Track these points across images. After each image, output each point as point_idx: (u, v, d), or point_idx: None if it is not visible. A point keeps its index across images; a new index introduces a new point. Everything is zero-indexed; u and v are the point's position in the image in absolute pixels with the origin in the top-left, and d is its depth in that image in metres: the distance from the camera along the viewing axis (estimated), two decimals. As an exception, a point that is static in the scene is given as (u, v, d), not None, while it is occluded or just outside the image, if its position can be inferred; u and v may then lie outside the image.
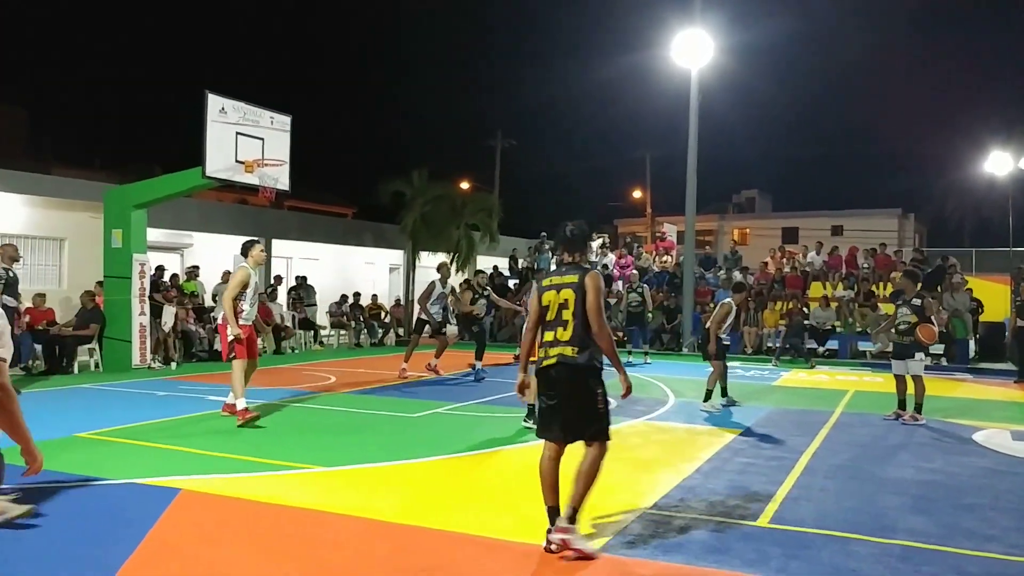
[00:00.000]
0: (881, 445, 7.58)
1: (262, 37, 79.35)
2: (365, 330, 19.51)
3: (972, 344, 17.32)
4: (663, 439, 7.72)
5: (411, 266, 23.01)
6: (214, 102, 12.30)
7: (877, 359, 16.77)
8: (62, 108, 55.08)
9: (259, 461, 6.33)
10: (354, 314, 19.61)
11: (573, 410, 4.44)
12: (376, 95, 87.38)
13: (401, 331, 21.16)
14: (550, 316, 4.50)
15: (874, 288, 19.17)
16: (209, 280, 17.40)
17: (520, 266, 23.58)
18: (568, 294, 4.43)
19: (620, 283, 21.92)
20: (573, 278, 4.47)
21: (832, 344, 17.67)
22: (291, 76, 75.05)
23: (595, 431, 4.47)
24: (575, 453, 4.53)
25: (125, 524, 4.66)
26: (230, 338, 8.04)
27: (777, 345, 16.97)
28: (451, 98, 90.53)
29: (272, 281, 19.48)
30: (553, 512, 4.41)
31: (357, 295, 20.24)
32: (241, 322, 8.08)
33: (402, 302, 22.43)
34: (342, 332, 19.29)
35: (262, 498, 5.25)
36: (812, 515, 5.12)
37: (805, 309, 18.22)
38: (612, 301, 20.12)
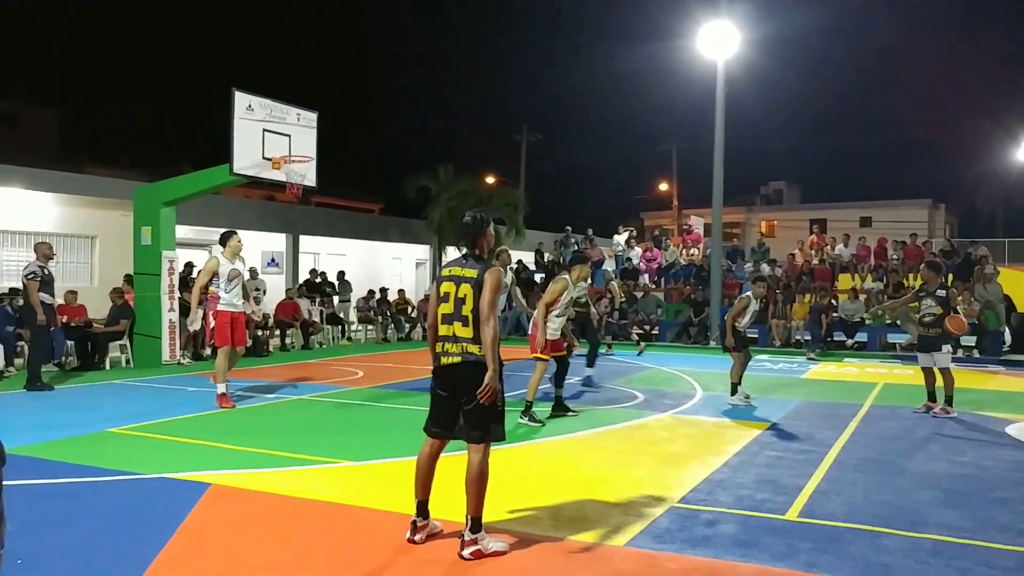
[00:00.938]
0: (911, 438, 7.48)
1: (289, 34, 79.90)
2: (392, 325, 19.61)
3: (1006, 335, 17.01)
4: (691, 433, 7.68)
5: (437, 261, 23.10)
6: (241, 99, 12.41)
7: (907, 351, 16.54)
8: (93, 107, 55.93)
9: (288, 456, 6.39)
10: (381, 309, 19.72)
11: (474, 409, 4.26)
12: (403, 91, 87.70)
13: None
14: (447, 309, 4.34)
15: (904, 280, 18.90)
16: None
17: (546, 260, 23.55)
18: (467, 289, 4.30)
19: (646, 276, 21.86)
20: (473, 272, 4.34)
21: (861, 336, 17.44)
22: (318, 72, 75.56)
23: (484, 432, 4.30)
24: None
25: (157, 518, 4.73)
26: (195, 326, 9.11)
27: (807, 339, 16.81)
28: (476, 93, 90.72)
29: (308, 276, 19.67)
30: (422, 506, 4.45)
31: (384, 290, 20.35)
32: (221, 308, 8.79)
33: (429, 297, 22.54)
34: (369, 327, 19.41)
35: (291, 492, 5.31)
36: (842, 509, 5.07)
37: (833, 301, 18.03)
38: (639, 295, 20.06)
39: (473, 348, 4.27)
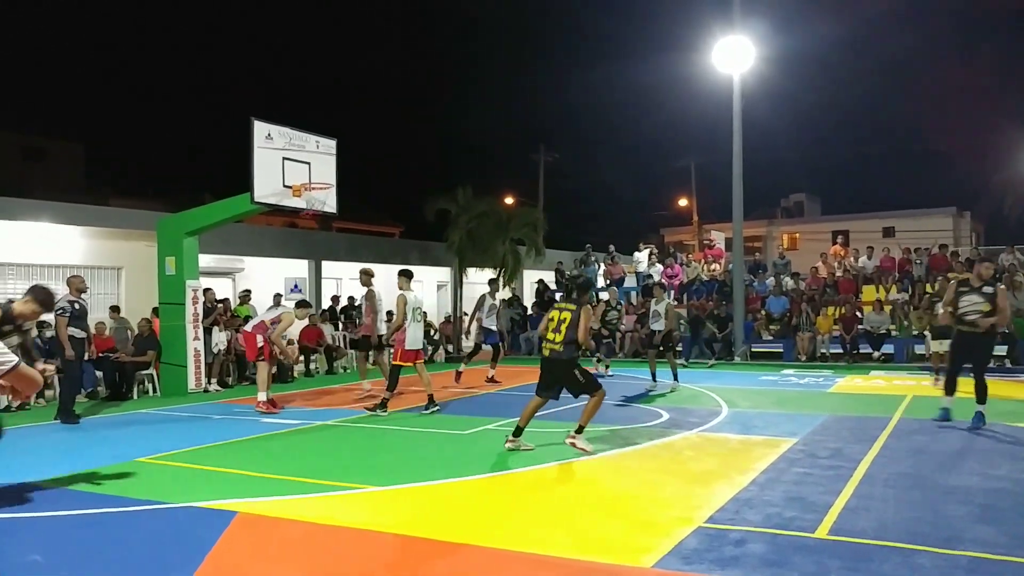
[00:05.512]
0: (943, 452, 7.36)
1: (307, 60, 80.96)
2: (414, 348, 19.59)
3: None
4: (717, 451, 7.61)
5: (458, 283, 23.14)
6: (260, 128, 12.57)
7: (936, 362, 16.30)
8: (117, 140, 56.93)
9: (313, 482, 6.41)
10: (403, 332, 19.73)
11: (566, 383, 7.57)
12: (420, 114, 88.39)
13: (451, 347, 21.25)
14: (552, 325, 7.51)
15: (929, 289, 18.68)
16: (261, 303, 17.72)
17: (566, 278, 23.54)
18: (565, 315, 7.48)
19: (669, 293, 21.78)
20: (572, 307, 7.49)
21: (888, 348, 17.23)
22: (337, 98, 76.43)
23: (581, 390, 7.58)
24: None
25: (184, 547, 4.76)
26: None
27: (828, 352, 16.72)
28: (494, 114, 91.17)
29: (331, 302, 19.81)
30: (519, 430, 7.54)
31: (405, 314, 20.37)
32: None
33: (451, 319, 22.54)
34: (390, 350, 19.42)
35: (317, 519, 5.32)
36: (872, 526, 4.99)
37: (859, 313, 17.84)
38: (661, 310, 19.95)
39: (558, 348, 7.35)
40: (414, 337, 10.43)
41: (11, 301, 6.18)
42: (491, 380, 13.68)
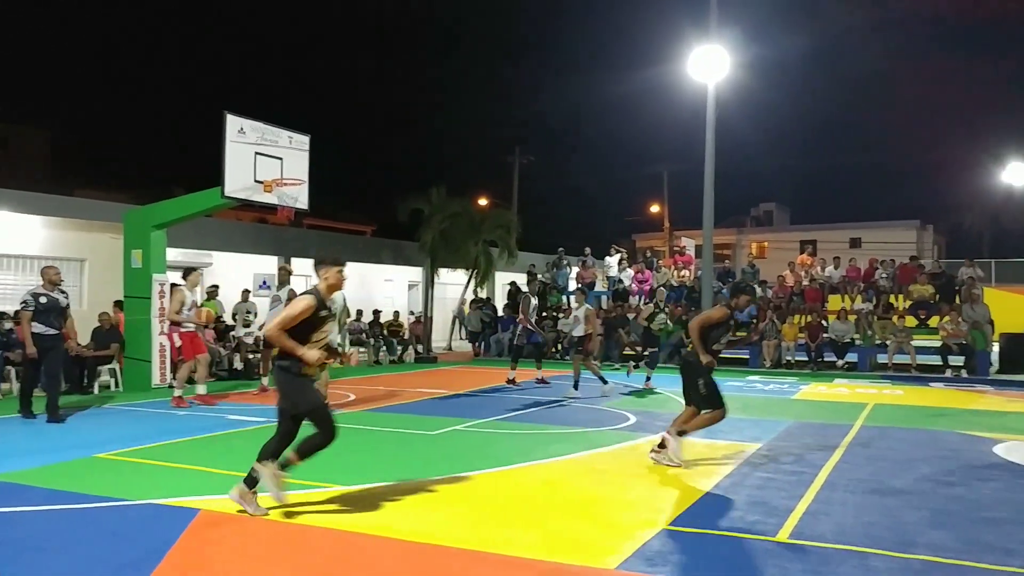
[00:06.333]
0: (901, 459, 7.51)
1: (280, 56, 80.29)
2: (384, 347, 19.56)
3: (994, 355, 17.13)
4: (682, 454, 7.67)
5: (430, 283, 23.10)
6: (233, 123, 12.45)
7: (897, 372, 16.62)
8: (84, 130, 55.98)
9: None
10: (373, 331, 19.68)
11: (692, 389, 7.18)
12: (394, 113, 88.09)
13: (420, 348, 21.19)
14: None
15: (892, 300, 19.01)
16: (229, 299, 17.55)
17: (539, 281, 23.59)
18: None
19: (638, 298, 21.92)
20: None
21: (851, 357, 17.53)
22: (311, 94, 75.89)
23: (701, 403, 7.05)
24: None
25: (144, 545, 4.69)
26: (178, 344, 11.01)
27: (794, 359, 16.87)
28: (469, 115, 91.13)
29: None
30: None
31: (377, 312, 20.31)
32: (183, 330, 10.92)
33: (422, 319, 22.49)
34: (361, 349, 19.36)
35: (282, 518, 5.28)
36: (832, 530, 5.08)
37: (824, 322, 18.11)
38: (631, 316, 20.09)
39: (690, 349, 7.10)
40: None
41: None
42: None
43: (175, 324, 11.01)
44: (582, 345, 12.67)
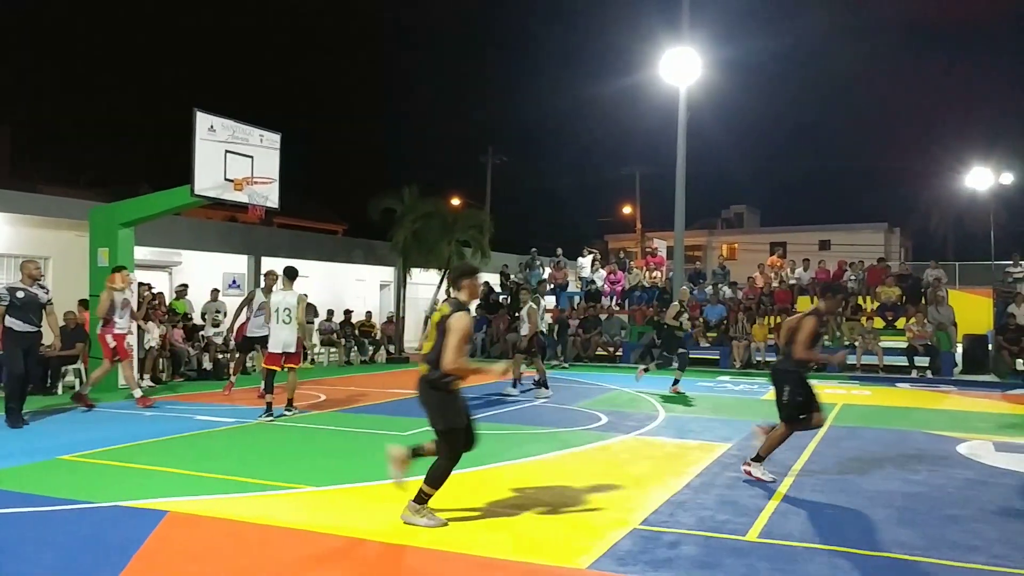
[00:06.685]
0: (867, 458, 7.62)
1: (252, 54, 79.55)
2: (355, 348, 19.45)
3: (957, 356, 17.44)
4: (653, 454, 7.73)
5: (402, 283, 23.00)
6: (203, 120, 12.30)
7: (865, 372, 16.86)
8: (47, 126, 54.93)
9: (247, 481, 6.30)
10: (344, 332, 19.55)
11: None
12: (367, 112, 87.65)
13: (392, 348, 21.09)
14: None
15: (861, 301, 19.27)
16: (198, 298, 17.34)
17: (511, 282, 23.60)
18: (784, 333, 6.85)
19: (610, 298, 22.02)
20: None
21: (820, 357, 17.68)
22: (282, 93, 75.24)
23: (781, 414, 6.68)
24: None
25: (110, 548, 4.62)
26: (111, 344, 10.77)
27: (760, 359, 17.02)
28: (442, 115, 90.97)
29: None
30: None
31: (348, 312, 20.18)
32: (116, 331, 10.81)
33: (393, 319, 22.38)
34: (332, 349, 19.23)
35: (250, 519, 5.23)
36: (800, 529, 5.14)
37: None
38: (603, 317, 20.18)
39: (781, 356, 6.88)
40: (276, 339, 9.77)
41: None
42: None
43: (107, 324, 10.76)
44: (533, 345, 12.54)
